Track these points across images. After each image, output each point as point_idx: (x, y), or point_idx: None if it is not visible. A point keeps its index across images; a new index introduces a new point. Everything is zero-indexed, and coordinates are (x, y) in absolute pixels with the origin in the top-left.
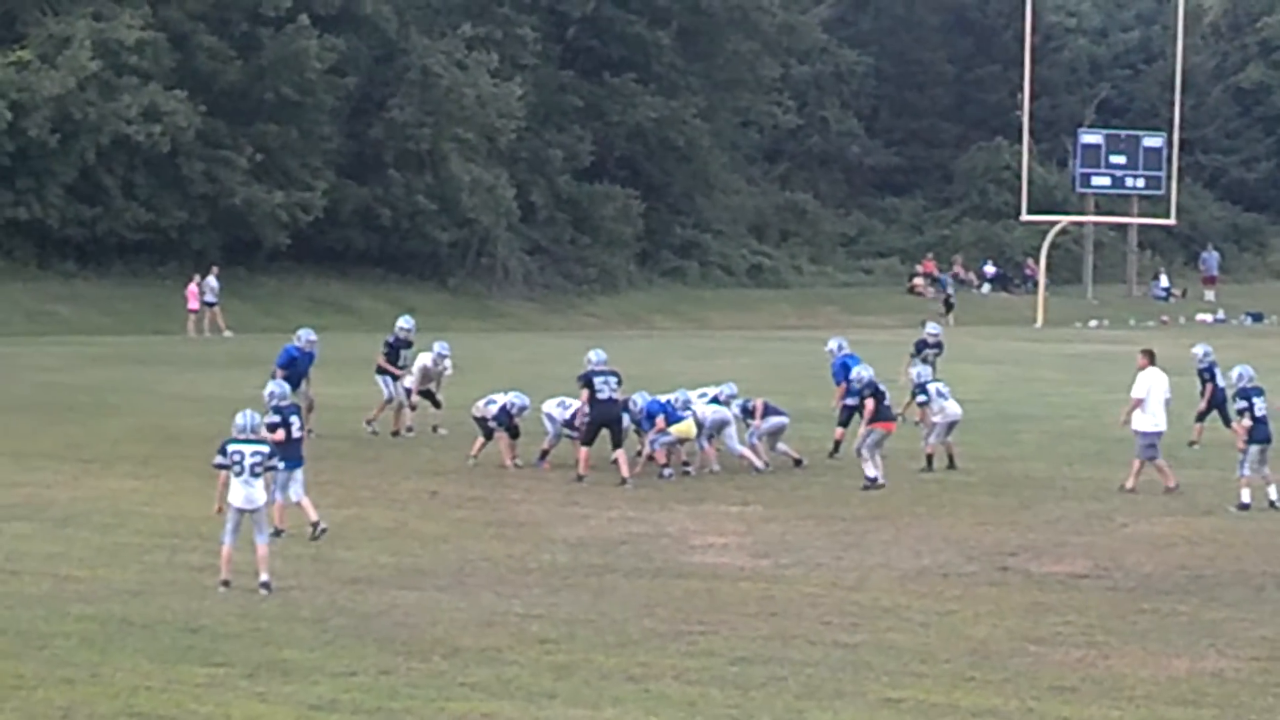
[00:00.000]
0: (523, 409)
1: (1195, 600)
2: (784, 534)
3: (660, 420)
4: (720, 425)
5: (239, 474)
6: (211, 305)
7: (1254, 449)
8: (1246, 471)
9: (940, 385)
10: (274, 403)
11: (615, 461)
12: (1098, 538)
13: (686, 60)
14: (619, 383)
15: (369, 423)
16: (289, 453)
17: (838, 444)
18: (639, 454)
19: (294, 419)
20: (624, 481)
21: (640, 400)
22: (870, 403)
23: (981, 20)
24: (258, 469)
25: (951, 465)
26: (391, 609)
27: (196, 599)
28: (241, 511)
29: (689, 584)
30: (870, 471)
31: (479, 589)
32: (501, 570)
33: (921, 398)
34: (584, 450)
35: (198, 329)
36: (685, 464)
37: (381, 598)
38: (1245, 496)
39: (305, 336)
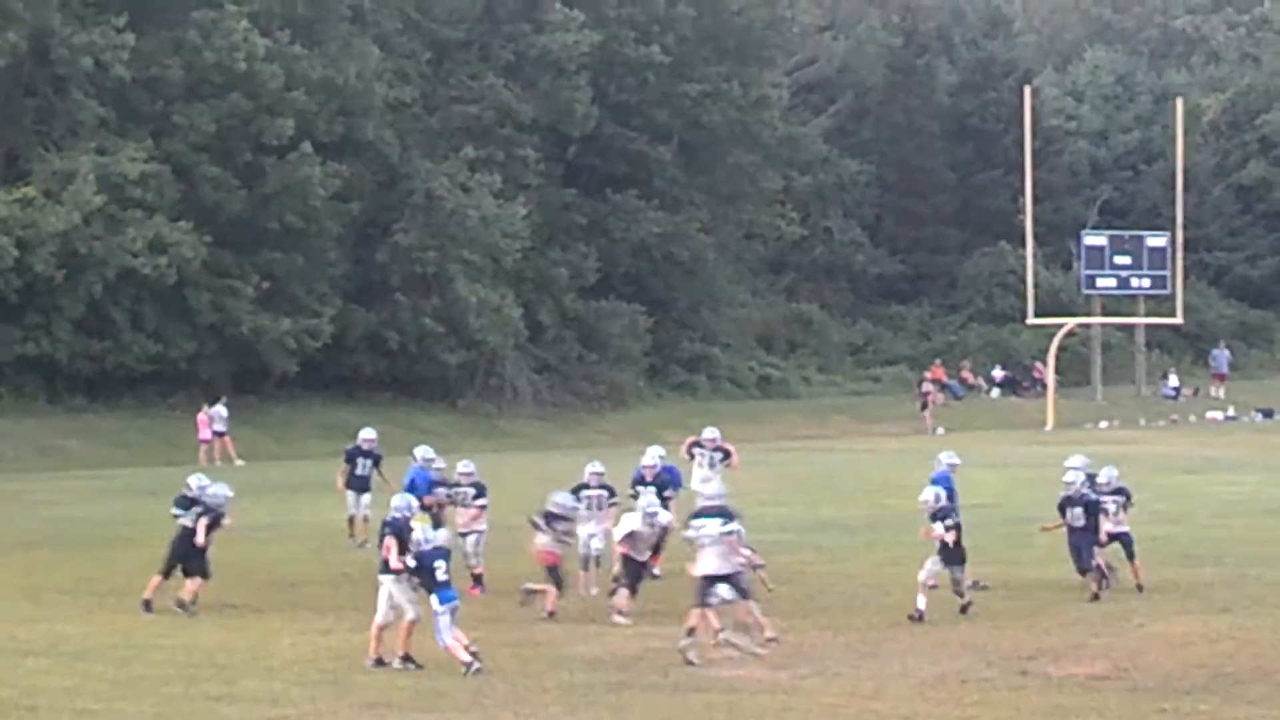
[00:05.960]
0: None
1: (1216, 699)
2: (800, 644)
3: None
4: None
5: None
6: (221, 434)
7: None
8: None
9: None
10: (415, 549)
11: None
12: (1115, 638)
13: (688, 175)
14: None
15: (361, 544)
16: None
17: None
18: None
19: (440, 563)
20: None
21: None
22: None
23: (981, 126)
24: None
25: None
26: None
27: None
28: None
29: (708, 698)
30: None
31: (497, 709)
32: (519, 690)
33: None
34: None
35: (209, 458)
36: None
37: None
38: None
39: (421, 454)
